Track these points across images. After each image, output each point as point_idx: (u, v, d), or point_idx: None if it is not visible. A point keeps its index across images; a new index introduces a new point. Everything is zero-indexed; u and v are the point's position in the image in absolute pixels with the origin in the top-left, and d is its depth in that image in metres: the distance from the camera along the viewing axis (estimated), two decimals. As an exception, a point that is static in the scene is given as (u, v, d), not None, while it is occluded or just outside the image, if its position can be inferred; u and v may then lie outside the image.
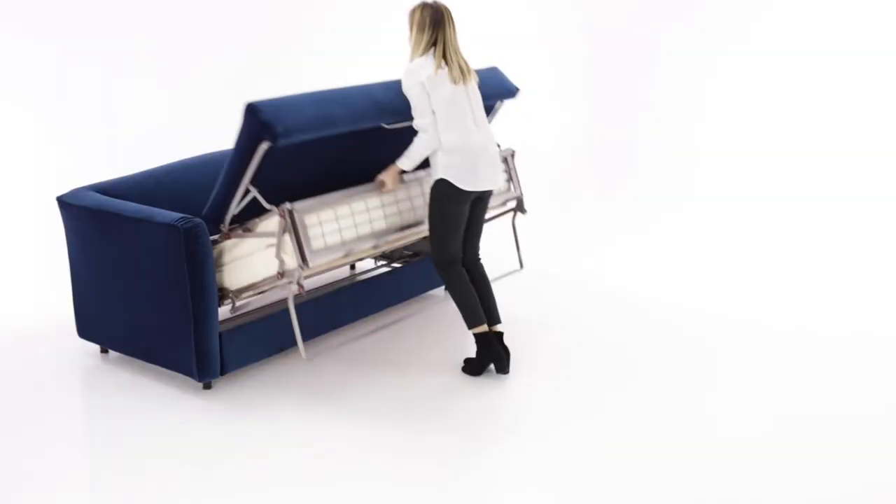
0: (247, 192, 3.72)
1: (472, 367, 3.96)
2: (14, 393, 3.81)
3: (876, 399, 3.73)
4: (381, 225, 3.99)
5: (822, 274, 5.33)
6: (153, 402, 3.71)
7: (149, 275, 3.71)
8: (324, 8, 7.44)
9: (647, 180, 6.97)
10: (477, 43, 7.63)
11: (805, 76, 6.77)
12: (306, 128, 3.59)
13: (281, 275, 3.70)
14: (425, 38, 3.82)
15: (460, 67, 3.86)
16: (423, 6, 3.83)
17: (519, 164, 7.40)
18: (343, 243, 3.81)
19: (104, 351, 4.22)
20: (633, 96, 7.34)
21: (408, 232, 4.13)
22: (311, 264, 3.65)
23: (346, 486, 3.08)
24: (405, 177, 4.11)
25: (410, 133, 3.93)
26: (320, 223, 3.74)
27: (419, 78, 3.76)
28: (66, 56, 6.29)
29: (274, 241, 3.70)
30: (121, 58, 6.53)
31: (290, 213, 3.63)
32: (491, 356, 3.91)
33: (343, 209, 3.84)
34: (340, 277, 4.98)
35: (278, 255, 3.68)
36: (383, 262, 5.01)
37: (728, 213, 6.43)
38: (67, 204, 3.95)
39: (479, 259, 4.10)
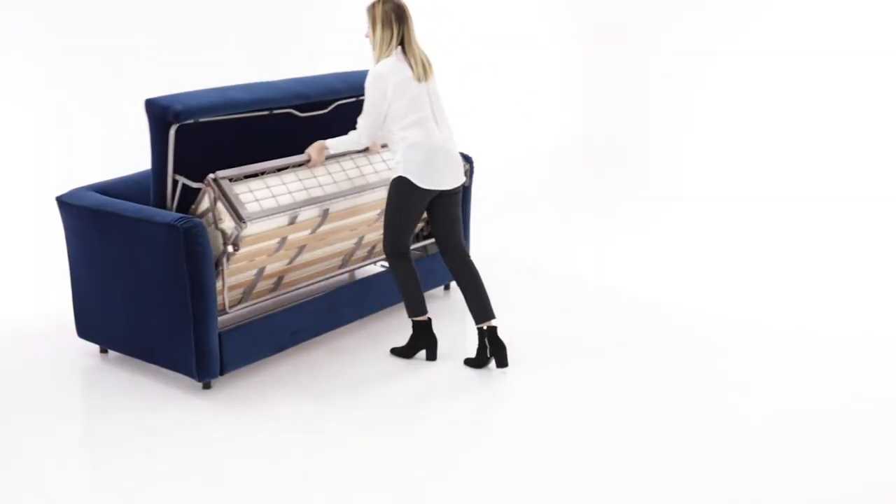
0: (175, 182, 3.80)
1: (405, 352, 4.12)
2: (13, 393, 3.81)
3: (874, 398, 3.73)
4: (317, 192, 4.01)
5: (821, 273, 5.33)
6: (152, 402, 3.71)
7: (148, 275, 3.71)
8: (324, 8, 7.44)
9: (646, 180, 6.97)
10: (476, 44, 7.64)
11: (804, 76, 6.77)
12: (207, 108, 3.71)
13: (226, 244, 3.71)
14: (390, 35, 3.81)
15: (423, 64, 3.88)
16: (384, 1, 3.81)
17: (518, 163, 7.41)
18: (280, 207, 3.82)
19: (104, 351, 4.22)
20: (632, 97, 7.34)
21: (351, 200, 4.14)
22: (248, 223, 3.66)
23: (345, 485, 3.08)
24: (335, 153, 4.11)
25: (338, 121, 4.03)
26: (251, 191, 3.78)
27: (386, 84, 3.78)
28: (66, 56, 6.29)
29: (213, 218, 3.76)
30: (120, 58, 6.53)
31: (216, 181, 3.69)
32: (427, 343, 4.08)
33: (273, 179, 3.89)
34: (340, 277, 4.97)
35: (218, 227, 3.72)
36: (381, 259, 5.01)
37: (726, 213, 6.43)
38: (67, 204, 3.95)
39: (469, 256, 4.07)
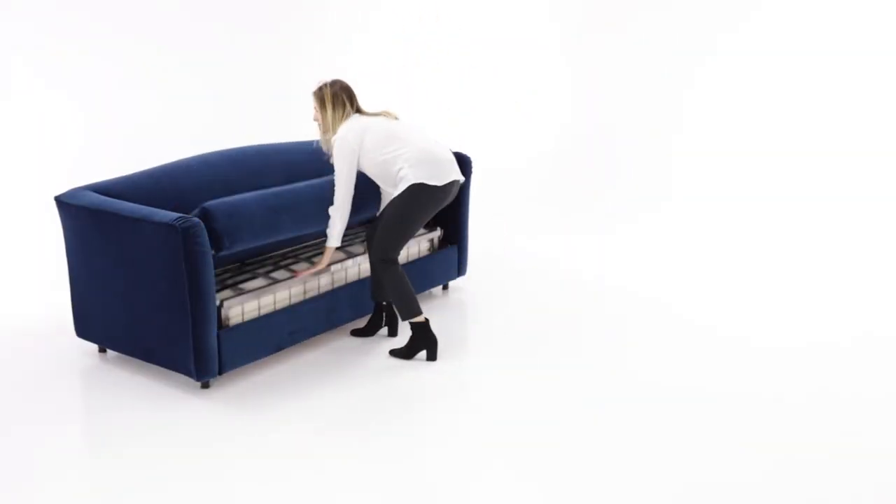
0: None
1: (406, 353, 4.16)
2: (12, 393, 3.81)
3: (865, 396, 3.73)
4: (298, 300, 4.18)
5: (813, 273, 5.34)
6: (151, 402, 3.71)
7: (147, 274, 3.71)
8: (324, 8, 7.43)
9: (646, 180, 6.96)
10: (476, 44, 7.64)
11: (803, 76, 6.77)
12: (251, 239, 3.84)
13: None
14: (342, 112, 4.10)
15: (376, 113, 4.18)
16: (332, 83, 4.12)
17: (518, 163, 7.41)
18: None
19: (102, 350, 4.22)
20: (632, 97, 7.33)
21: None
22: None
23: (345, 485, 3.08)
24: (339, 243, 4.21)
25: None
26: (242, 314, 3.93)
27: (353, 143, 4.02)
28: (66, 56, 6.29)
29: None
30: (120, 58, 6.53)
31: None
32: (427, 344, 4.13)
33: (266, 299, 4.02)
34: (338, 276, 4.97)
35: None
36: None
37: (727, 213, 6.43)
38: (66, 204, 3.95)
39: None
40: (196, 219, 3.62)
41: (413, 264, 4.73)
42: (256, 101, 7.04)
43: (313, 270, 4.15)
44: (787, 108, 6.80)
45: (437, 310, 4.80)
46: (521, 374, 3.99)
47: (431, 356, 4.13)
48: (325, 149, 4.22)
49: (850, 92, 6.62)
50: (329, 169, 4.39)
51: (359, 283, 4.42)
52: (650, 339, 4.39)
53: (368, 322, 4.44)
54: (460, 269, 5.08)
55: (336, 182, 4.06)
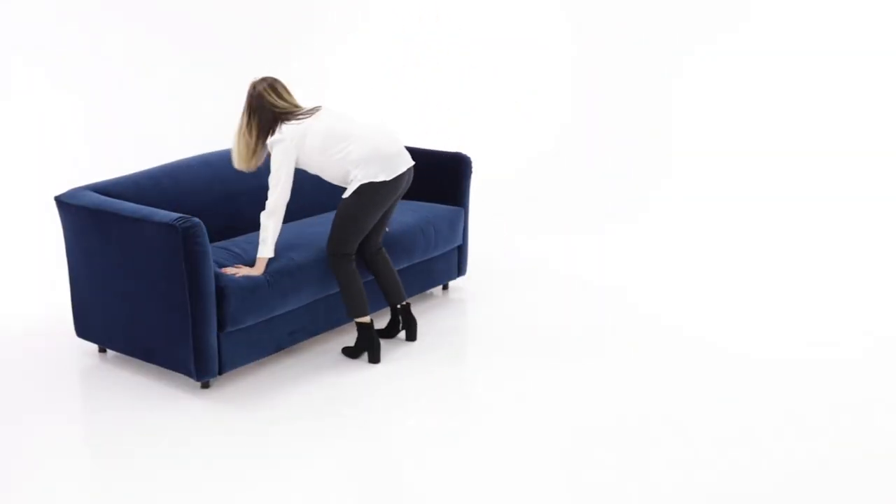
0: None
1: (352, 352, 4.15)
2: (12, 393, 3.81)
3: (858, 392, 3.73)
4: None
5: (808, 272, 5.34)
6: (151, 402, 3.71)
7: (147, 274, 3.71)
8: (324, 8, 7.43)
9: (647, 180, 6.96)
10: (476, 44, 7.64)
11: (803, 77, 6.77)
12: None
13: None
14: (273, 112, 3.88)
15: (307, 111, 3.97)
16: (260, 80, 3.94)
17: (518, 163, 7.40)
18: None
19: (102, 350, 4.22)
20: (633, 97, 7.33)
21: None
22: None
23: (345, 484, 3.08)
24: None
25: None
26: None
27: (291, 148, 3.85)
28: (66, 56, 6.29)
29: None
30: (120, 58, 6.53)
31: None
32: (370, 345, 4.10)
33: None
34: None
35: None
36: None
37: (728, 213, 6.43)
38: (66, 204, 3.95)
39: (382, 247, 4.26)
40: (196, 219, 3.62)
41: (413, 264, 4.73)
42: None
43: (241, 272, 3.81)
44: (788, 107, 6.80)
45: (437, 310, 4.79)
46: (522, 375, 3.99)
47: (373, 358, 4.09)
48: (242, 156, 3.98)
49: (849, 92, 6.61)
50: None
51: (359, 283, 4.41)
52: (651, 340, 4.38)
53: (388, 325, 4.40)
54: (460, 269, 5.08)
55: (272, 186, 3.86)
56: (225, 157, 4.62)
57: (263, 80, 3.95)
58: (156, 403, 3.70)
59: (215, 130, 6.54)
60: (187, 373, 3.74)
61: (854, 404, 3.68)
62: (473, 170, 5.31)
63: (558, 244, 5.98)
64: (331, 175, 4.00)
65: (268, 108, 3.89)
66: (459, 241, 4.97)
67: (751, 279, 5.29)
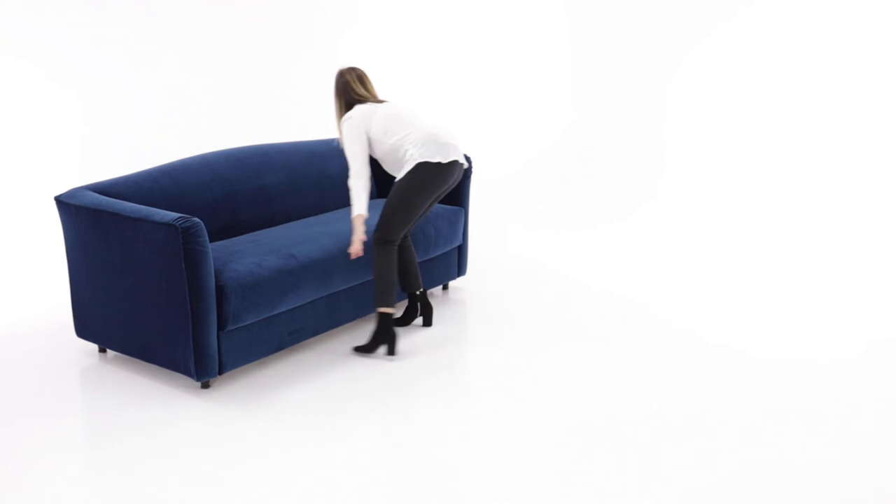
0: None
1: (368, 348, 4.18)
2: (12, 393, 3.81)
3: (851, 390, 3.73)
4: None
5: (809, 272, 5.34)
6: (151, 402, 3.71)
7: (147, 274, 3.71)
8: (325, 8, 7.43)
9: (647, 180, 6.97)
10: (476, 44, 7.65)
11: (803, 77, 6.77)
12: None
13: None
14: (350, 96, 4.30)
15: (380, 101, 4.35)
16: (345, 71, 4.35)
17: (519, 163, 7.41)
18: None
19: (102, 350, 4.22)
20: (634, 97, 7.34)
21: None
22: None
23: (345, 484, 3.08)
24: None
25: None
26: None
27: (359, 123, 4.18)
28: (66, 56, 6.29)
29: None
30: (120, 58, 6.53)
31: None
32: (390, 337, 4.16)
33: None
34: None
35: None
36: None
37: (728, 213, 6.43)
38: (66, 204, 3.95)
39: (409, 235, 4.50)
40: (196, 219, 3.62)
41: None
42: (256, 101, 7.04)
43: (357, 244, 4.11)
44: (785, 107, 6.81)
45: (437, 309, 4.80)
46: (522, 375, 3.99)
47: (391, 351, 4.17)
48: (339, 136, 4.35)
49: (849, 92, 6.62)
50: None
51: (359, 285, 4.42)
52: (653, 340, 4.39)
53: (404, 312, 4.54)
54: (460, 269, 5.08)
55: (349, 159, 4.15)
56: (225, 156, 4.63)
57: (352, 69, 4.36)
58: (156, 403, 3.70)
59: (215, 130, 6.54)
60: (187, 373, 3.74)
61: (854, 404, 3.68)
62: (473, 170, 5.31)
63: (558, 244, 5.98)
64: (391, 158, 4.25)
65: (349, 93, 4.31)
66: (459, 241, 4.97)
67: (750, 279, 5.29)
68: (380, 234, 4.13)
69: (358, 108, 4.23)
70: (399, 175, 4.22)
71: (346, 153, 4.18)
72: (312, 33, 7.30)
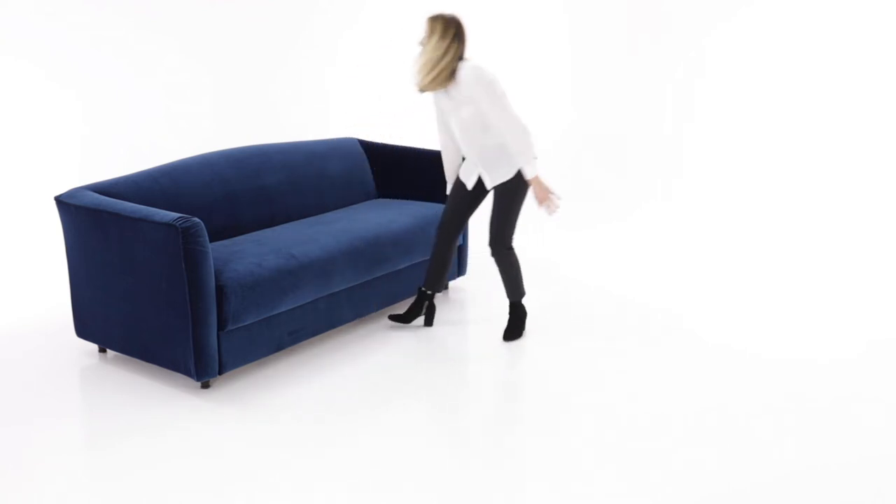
0: None
1: (516, 331, 4.37)
2: (12, 393, 3.81)
3: (847, 388, 3.73)
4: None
5: (813, 272, 5.34)
6: (151, 402, 3.71)
7: (147, 274, 3.71)
8: (324, 8, 7.43)
9: (647, 180, 6.97)
10: (476, 43, 7.64)
11: (803, 77, 6.77)
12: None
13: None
14: (463, 48, 4.10)
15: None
16: (458, 18, 4.18)
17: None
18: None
19: (102, 350, 4.22)
20: (634, 97, 7.34)
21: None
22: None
23: (346, 484, 3.08)
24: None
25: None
26: None
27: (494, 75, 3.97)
28: (66, 56, 6.29)
29: None
30: (120, 58, 6.53)
31: None
32: (519, 323, 4.38)
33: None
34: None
35: None
36: None
37: (728, 213, 6.43)
38: (65, 204, 3.95)
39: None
40: (196, 219, 3.62)
41: (413, 264, 4.73)
42: (256, 101, 7.04)
43: (550, 199, 4.03)
44: (787, 107, 6.81)
45: (437, 309, 4.79)
46: (522, 375, 3.99)
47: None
48: (420, 82, 4.08)
49: (848, 92, 6.62)
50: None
51: (359, 285, 4.42)
52: (656, 339, 4.39)
53: (409, 309, 4.54)
54: (460, 269, 5.08)
55: (510, 106, 3.96)
56: (225, 156, 4.62)
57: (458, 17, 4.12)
58: (156, 403, 3.70)
59: (215, 130, 6.54)
60: (187, 373, 3.74)
61: (854, 404, 3.68)
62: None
63: (559, 243, 5.98)
64: (483, 138, 4.06)
65: (462, 46, 4.12)
66: (460, 241, 4.97)
67: (750, 279, 5.29)
68: (503, 244, 4.17)
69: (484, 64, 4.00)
70: (501, 178, 4.09)
71: (500, 101, 3.94)
72: (312, 33, 7.30)
